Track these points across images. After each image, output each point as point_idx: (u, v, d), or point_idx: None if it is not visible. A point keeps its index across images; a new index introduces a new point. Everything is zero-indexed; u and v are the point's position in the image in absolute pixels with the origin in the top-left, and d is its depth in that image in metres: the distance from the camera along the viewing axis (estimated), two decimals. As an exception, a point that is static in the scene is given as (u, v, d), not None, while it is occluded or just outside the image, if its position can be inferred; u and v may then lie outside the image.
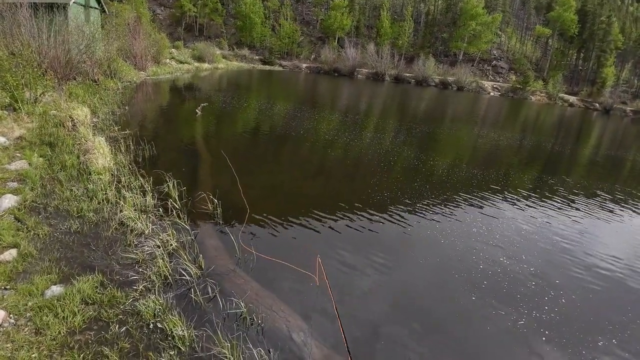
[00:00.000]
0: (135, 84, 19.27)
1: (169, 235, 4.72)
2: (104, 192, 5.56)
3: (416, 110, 24.87)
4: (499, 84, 54.83)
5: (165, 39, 30.81)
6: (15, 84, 8.64)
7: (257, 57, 52.04)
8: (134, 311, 3.44)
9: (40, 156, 6.53)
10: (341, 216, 6.39)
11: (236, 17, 56.66)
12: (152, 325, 3.33)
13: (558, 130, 24.32)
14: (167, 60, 29.86)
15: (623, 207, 8.88)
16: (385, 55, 50.40)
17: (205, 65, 35.91)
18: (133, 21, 23.01)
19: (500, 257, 5.61)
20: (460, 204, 7.69)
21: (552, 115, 34.99)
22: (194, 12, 54.80)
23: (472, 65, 56.64)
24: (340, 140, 12.44)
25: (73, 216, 4.89)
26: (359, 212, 6.61)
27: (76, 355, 2.86)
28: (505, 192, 8.78)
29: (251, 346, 3.26)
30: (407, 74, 51.59)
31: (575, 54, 63.46)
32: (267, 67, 49.17)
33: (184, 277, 4.09)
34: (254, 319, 3.69)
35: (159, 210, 5.49)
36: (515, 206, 7.97)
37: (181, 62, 32.23)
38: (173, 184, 5.90)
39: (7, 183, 5.29)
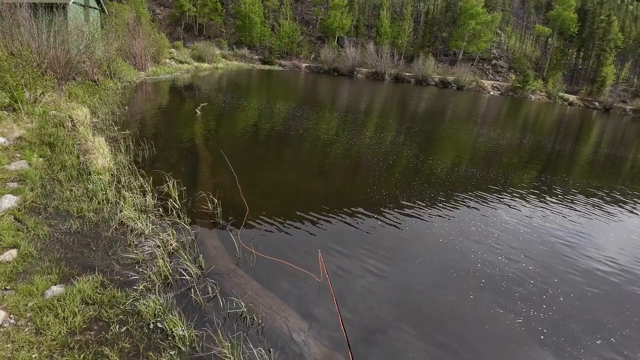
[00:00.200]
0: (135, 84, 19.26)
1: (169, 235, 4.72)
2: (104, 192, 5.56)
3: (416, 109, 24.86)
4: (499, 83, 54.80)
5: (165, 38, 30.79)
6: (14, 85, 8.63)
7: (256, 56, 52.05)
8: (134, 311, 3.44)
9: (40, 156, 6.53)
10: (341, 215, 6.39)
11: (236, 17, 56.65)
12: (152, 325, 3.33)
13: (558, 129, 24.31)
14: (167, 60, 29.86)
15: (622, 206, 8.88)
16: (385, 54, 50.40)
17: (205, 65, 35.90)
18: (132, 21, 23.01)
19: (499, 256, 5.62)
20: (460, 203, 7.69)
21: (551, 114, 34.98)
22: (193, 11, 54.80)
23: (472, 65, 56.62)
24: (340, 139, 12.44)
25: (73, 216, 4.89)
26: (358, 211, 6.61)
27: (76, 356, 2.86)
28: (505, 192, 8.78)
29: (251, 346, 3.26)
30: (407, 74, 51.58)
31: (575, 53, 63.45)
32: (267, 67, 49.18)
33: (184, 277, 4.09)
34: (254, 319, 3.69)
35: (159, 210, 5.49)
36: (514, 206, 7.96)
37: (181, 62, 32.23)
38: (173, 184, 5.90)
39: (7, 183, 5.28)
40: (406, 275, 4.97)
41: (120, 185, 5.93)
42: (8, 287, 3.44)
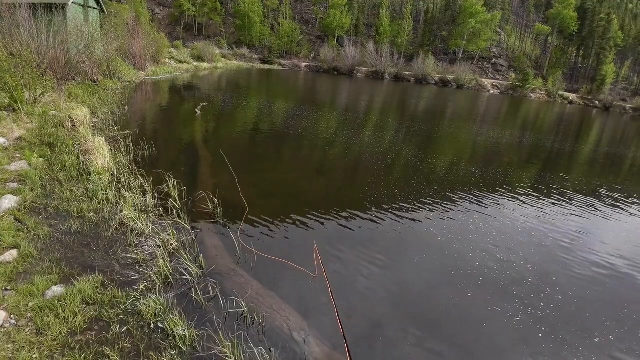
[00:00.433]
0: (135, 83, 19.25)
1: (169, 235, 4.73)
2: (104, 192, 5.57)
3: (415, 108, 24.86)
4: (499, 81, 54.77)
5: (165, 38, 30.76)
6: (14, 85, 8.63)
7: (256, 56, 52.00)
8: (134, 311, 3.44)
9: (40, 157, 6.53)
10: (340, 214, 6.39)
11: (235, 17, 56.59)
12: (153, 325, 3.33)
13: (558, 128, 24.30)
14: (167, 60, 29.83)
15: (622, 205, 8.88)
16: (385, 53, 50.34)
17: (205, 65, 35.88)
18: (132, 21, 22.99)
19: (497, 255, 5.61)
20: (459, 202, 7.69)
21: (551, 113, 34.97)
22: (193, 11, 54.76)
23: (472, 63, 56.61)
24: (340, 139, 12.44)
25: (73, 216, 4.89)
26: (358, 210, 6.62)
27: (77, 356, 2.87)
28: (504, 191, 8.78)
29: (252, 345, 3.27)
30: (407, 73, 51.54)
31: (575, 52, 63.41)
32: (267, 66, 49.15)
33: (184, 277, 4.09)
34: (254, 318, 3.70)
35: (159, 210, 5.49)
36: (513, 204, 7.96)
37: (180, 62, 32.20)
38: (173, 184, 5.91)
39: (7, 184, 5.28)
40: (405, 272, 4.98)
41: (120, 185, 5.93)
42: (8, 288, 3.44)
